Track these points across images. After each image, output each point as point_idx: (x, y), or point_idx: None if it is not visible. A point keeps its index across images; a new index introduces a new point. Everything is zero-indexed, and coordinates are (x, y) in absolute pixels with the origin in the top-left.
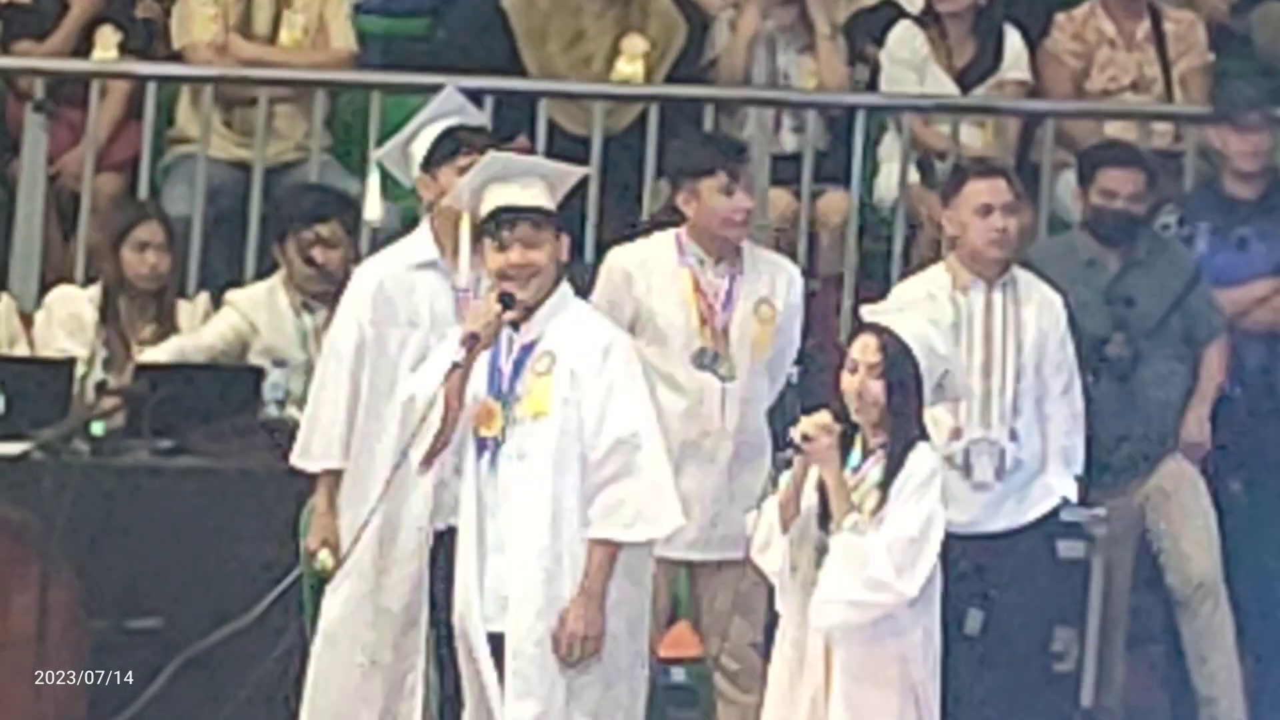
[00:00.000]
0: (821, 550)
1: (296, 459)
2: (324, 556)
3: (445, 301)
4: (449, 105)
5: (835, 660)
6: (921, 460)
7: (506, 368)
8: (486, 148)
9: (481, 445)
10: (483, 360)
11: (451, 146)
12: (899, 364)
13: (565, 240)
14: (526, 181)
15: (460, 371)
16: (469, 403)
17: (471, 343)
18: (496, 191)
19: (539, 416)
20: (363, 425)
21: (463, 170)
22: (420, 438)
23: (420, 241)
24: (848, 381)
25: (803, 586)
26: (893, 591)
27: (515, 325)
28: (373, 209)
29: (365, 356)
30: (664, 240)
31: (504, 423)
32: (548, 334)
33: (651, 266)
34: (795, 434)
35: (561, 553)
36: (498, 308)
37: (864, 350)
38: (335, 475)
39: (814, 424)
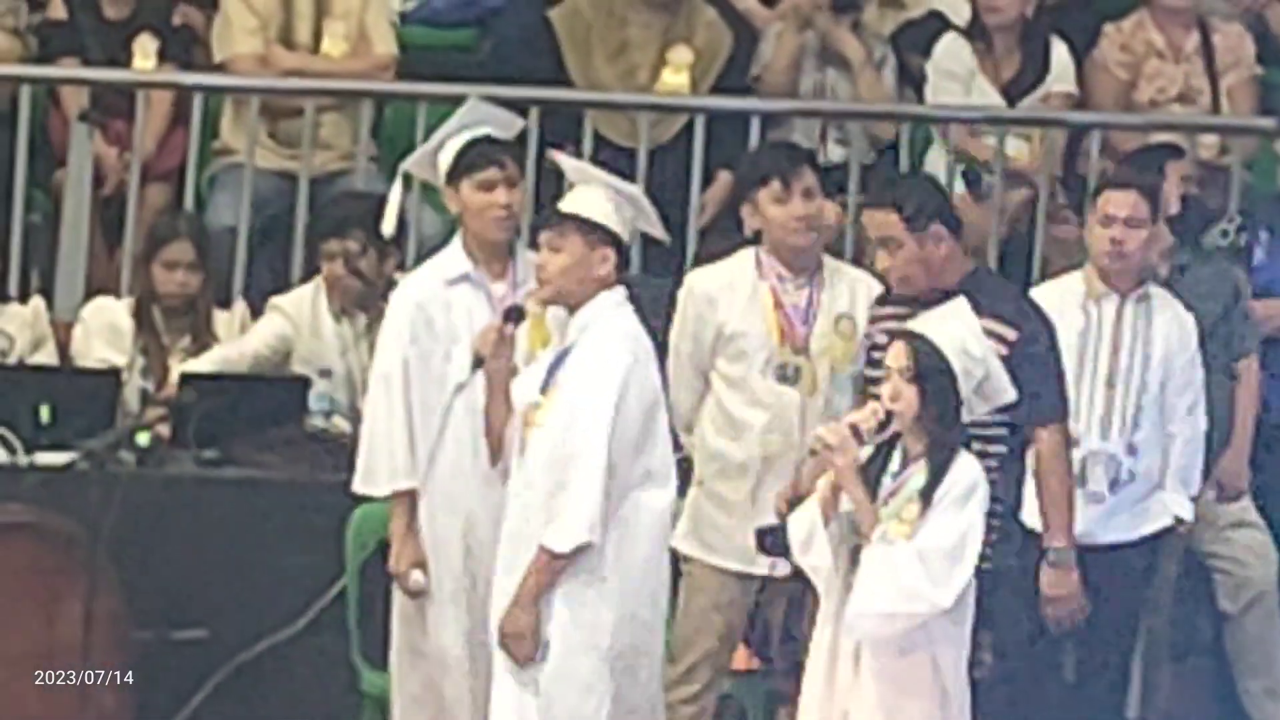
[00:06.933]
0: (856, 555)
1: (360, 485)
2: (417, 577)
3: (483, 313)
4: (473, 116)
5: (866, 666)
6: (964, 470)
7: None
8: (509, 162)
9: None
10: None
11: (470, 161)
12: (932, 368)
13: (605, 252)
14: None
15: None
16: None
17: (476, 364)
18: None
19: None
20: (423, 443)
21: (482, 185)
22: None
23: (453, 256)
24: (885, 390)
25: (838, 588)
26: (927, 601)
27: None
28: (390, 223)
29: (412, 376)
30: (744, 259)
31: None
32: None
33: (734, 287)
34: (814, 441)
35: None
36: (498, 323)
37: (896, 356)
38: (408, 496)
39: (833, 432)
